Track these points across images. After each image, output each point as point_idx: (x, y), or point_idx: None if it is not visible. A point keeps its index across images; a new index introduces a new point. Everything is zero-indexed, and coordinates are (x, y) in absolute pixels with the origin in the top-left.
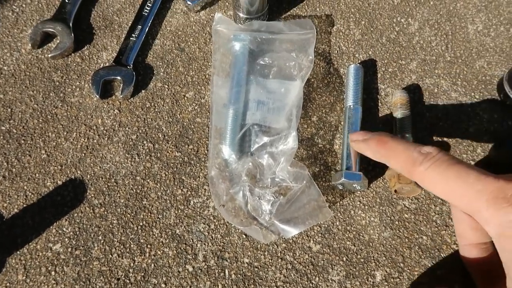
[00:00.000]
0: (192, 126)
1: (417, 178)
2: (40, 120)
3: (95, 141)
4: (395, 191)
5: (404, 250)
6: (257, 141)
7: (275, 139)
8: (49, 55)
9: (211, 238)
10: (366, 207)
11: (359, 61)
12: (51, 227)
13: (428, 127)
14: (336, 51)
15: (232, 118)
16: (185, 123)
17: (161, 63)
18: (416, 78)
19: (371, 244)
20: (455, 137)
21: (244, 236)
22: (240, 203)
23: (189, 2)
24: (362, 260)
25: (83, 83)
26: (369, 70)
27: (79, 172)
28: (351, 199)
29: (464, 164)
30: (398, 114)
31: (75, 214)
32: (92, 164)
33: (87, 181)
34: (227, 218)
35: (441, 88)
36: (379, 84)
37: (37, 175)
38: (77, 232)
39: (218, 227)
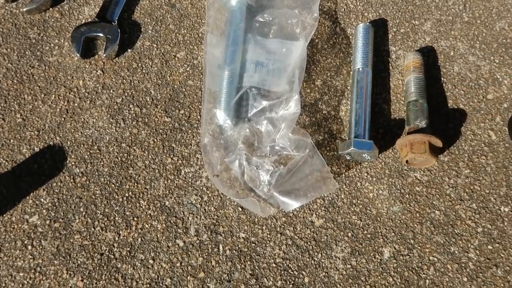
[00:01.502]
0: (184, 89)
1: None
2: (15, 81)
3: (76, 104)
4: (407, 161)
5: (415, 225)
6: (255, 105)
7: (275, 104)
8: (24, 9)
9: (204, 211)
10: (374, 179)
11: (368, 21)
12: (28, 197)
13: (442, 92)
14: (343, 9)
15: (227, 81)
16: (175, 86)
17: (149, 20)
18: (430, 40)
19: (379, 218)
20: (472, 105)
21: (240, 209)
22: (235, 173)
23: None
24: (368, 236)
25: (62, 40)
26: (379, 30)
27: (58, 138)
28: (358, 170)
29: None
30: (411, 78)
31: (54, 184)
32: (72, 130)
33: (67, 148)
34: (221, 189)
35: (458, 51)
36: (389, 46)
37: (11, 140)
38: (56, 203)
39: (212, 199)
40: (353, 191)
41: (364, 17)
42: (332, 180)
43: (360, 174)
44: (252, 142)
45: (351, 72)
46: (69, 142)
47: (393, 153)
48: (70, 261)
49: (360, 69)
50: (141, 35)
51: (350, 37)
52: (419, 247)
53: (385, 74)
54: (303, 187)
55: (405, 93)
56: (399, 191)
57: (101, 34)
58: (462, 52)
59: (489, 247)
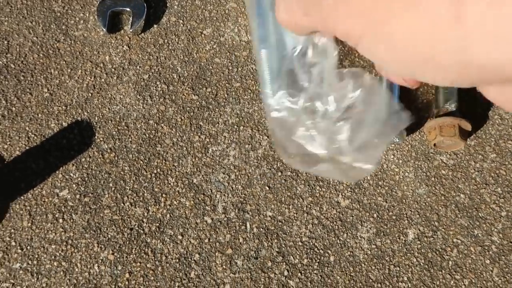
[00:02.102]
0: (210, 67)
1: None
2: (41, 55)
3: (102, 80)
4: (435, 144)
5: (440, 208)
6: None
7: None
8: None
9: (231, 189)
10: (400, 161)
11: None
12: (57, 172)
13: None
14: None
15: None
16: (202, 64)
17: None
18: None
19: (404, 200)
20: None
21: (267, 188)
22: (308, 146)
23: None
24: (394, 217)
25: (87, 14)
26: None
27: (85, 113)
28: (385, 152)
29: None
30: None
31: (83, 159)
32: (100, 105)
33: (94, 123)
34: (303, 169)
35: None
36: None
37: (39, 115)
38: (86, 178)
39: (239, 177)
40: (379, 173)
41: None
42: (403, 111)
43: (386, 156)
44: (313, 109)
45: None
46: (96, 118)
47: (419, 136)
48: (101, 235)
49: None
50: (167, 11)
51: None
52: (443, 229)
53: None
54: (378, 132)
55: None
56: (425, 174)
57: (127, 9)
58: None
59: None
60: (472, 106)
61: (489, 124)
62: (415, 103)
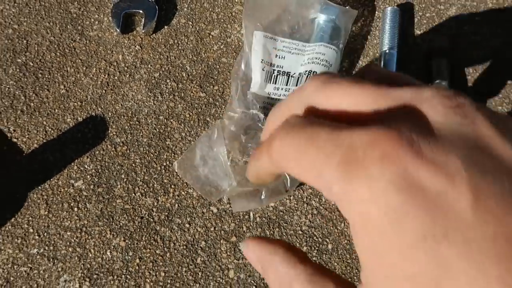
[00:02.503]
0: (218, 66)
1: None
2: (58, 54)
3: (116, 77)
4: None
5: None
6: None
7: None
8: None
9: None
10: None
11: (396, 5)
12: (73, 163)
13: (464, 76)
14: None
15: None
16: (210, 63)
17: None
18: (455, 24)
19: None
20: (492, 88)
21: None
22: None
23: None
24: None
25: (102, 16)
26: (405, 15)
27: (99, 109)
28: None
29: (320, 121)
30: (434, 61)
31: (97, 152)
32: (113, 102)
33: (108, 118)
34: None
35: (481, 36)
36: (415, 30)
37: (56, 110)
38: (99, 170)
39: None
40: None
41: (392, 1)
42: None
43: None
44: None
45: (378, 54)
46: (110, 113)
47: None
48: (113, 223)
49: (387, 50)
50: (177, 13)
51: (377, 20)
52: None
53: (410, 57)
54: None
55: (431, 76)
56: None
57: (140, 11)
58: (485, 37)
59: None
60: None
61: None
62: None
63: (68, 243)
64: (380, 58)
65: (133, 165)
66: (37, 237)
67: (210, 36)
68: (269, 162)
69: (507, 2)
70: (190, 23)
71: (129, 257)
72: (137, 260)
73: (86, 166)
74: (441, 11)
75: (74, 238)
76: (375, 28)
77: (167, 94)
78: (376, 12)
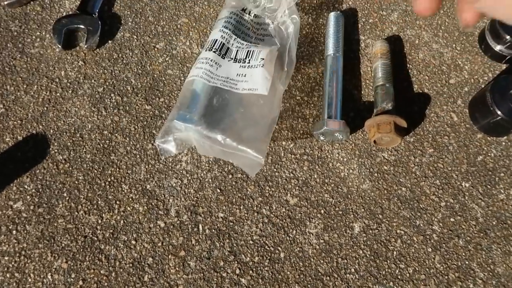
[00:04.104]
0: (163, 78)
1: None
2: None
3: (58, 94)
4: (375, 141)
5: (383, 201)
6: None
7: None
8: (5, 3)
9: (184, 193)
10: (345, 159)
11: (339, 11)
12: (11, 184)
13: (408, 78)
14: (315, 1)
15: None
16: (155, 75)
17: (129, 12)
18: (397, 29)
19: (349, 196)
20: (436, 89)
21: (219, 191)
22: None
23: None
24: (340, 212)
25: (44, 33)
26: (350, 20)
27: (41, 126)
28: (330, 151)
29: None
30: (378, 64)
31: (37, 171)
32: (55, 119)
33: (50, 136)
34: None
35: (422, 40)
36: (359, 35)
37: None
38: (40, 189)
39: (191, 181)
40: (325, 171)
41: (335, 8)
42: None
43: (332, 155)
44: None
45: (323, 59)
46: (51, 131)
47: (362, 135)
48: (55, 244)
49: (332, 54)
50: (121, 27)
51: (322, 27)
52: (387, 222)
53: (354, 61)
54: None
55: (373, 79)
56: (368, 170)
57: (82, 26)
58: (426, 40)
59: (452, 219)
60: (410, 105)
61: (426, 121)
62: (358, 105)
63: (5, 269)
64: (325, 61)
65: (76, 182)
66: None
67: (155, 49)
68: None
69: (446, 5)
70: (135, 36)
71: (72, 279)
72: (80, 282)
73: (26, 186)
74: (384, 16)
75: (12, 263)
76: (320, 35)
77: (111, 108)
78: (321, 19)
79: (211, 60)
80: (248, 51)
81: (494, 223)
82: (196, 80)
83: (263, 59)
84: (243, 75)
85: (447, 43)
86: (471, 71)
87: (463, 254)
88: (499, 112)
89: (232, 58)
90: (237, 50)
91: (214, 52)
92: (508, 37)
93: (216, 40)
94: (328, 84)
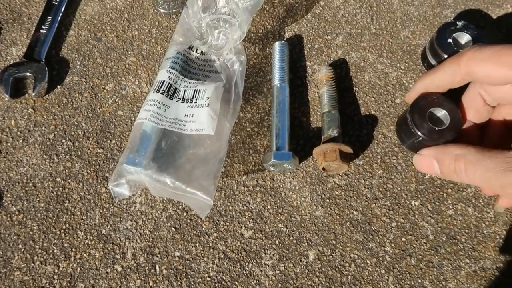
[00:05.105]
0: (114, 120)
1: None
2: None
3: (8, 144)
4: (323, 168)
5: (336, 227)
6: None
7: None
8: None
9: (139, 235)
10: (297, 187)
11: (285, 39)
12: None
13: (355, 101)
14: (261, 30)
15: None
16: (106, 117)
17: (77, 55)
18: (342, 52)
19: (303, 224)
20: (382, 110)
21: (174, 229)
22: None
23: (162, 10)
24: (294, 241)
25: None
26: (296, 47)
27: None
28: (282, 181)
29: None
30: (324, 91)
31: None
32: (7, 169)
33: (2, 187)
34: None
35: (368, 61)
36: (306, 62)
37: None
38: None
39: (146, 222)
40: (278, 201)
41: (281, 36)
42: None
43: (284, 184)
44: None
45: (271, 89)
46: (4, 182)
47: (313, 162)
48: None
49: (278, 84)
50: (69, 71)
51: (269, 56)
52: (340, 247)
53: (302, 88)
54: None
55: (320, 105)
56: (320, 196)
57: (28, 74)
58: (371, 62)
59: (403, 239)
60: (358, 128)
61: (375, 143)
62: (307, 132)
63: None
64: (272, 92)
65: (31, 233)
66: None
67: (105, 91)
68: (456, 70)
69: (389, 26)
70: (84, 79)
71: None
72: None
73: None
74: (329, 41)
75: None
76: (267, 64)
77: (63, 154)
78: (268, 49)
79: (159, 102)
80: (195, 90)
81: (444, 239)
82: (145, 122)
83: (208, 97)
84: (191, 115)
85: (392, 63)
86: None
87: (416, 272)
88: (419, 133)
89: (180, 98)
90: (185, 90)
91: (161, 94)
92: (445, 56)
93: (164, 81)
94: (275, 115)
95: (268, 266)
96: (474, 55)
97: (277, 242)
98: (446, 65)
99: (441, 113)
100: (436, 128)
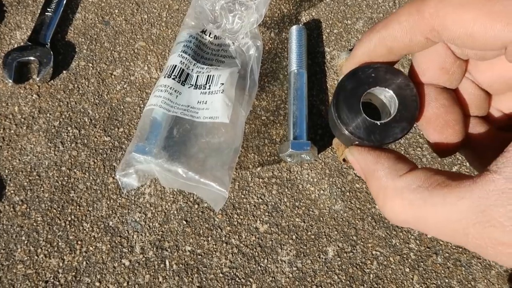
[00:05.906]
0: (122, 107)
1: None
2: None
3: (12, 131)
4: (344, 160)
5: (357, 222)
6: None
7: None
8: None
9: (148, 228)
10: (315, 180)
11: (302, 23)
12: None
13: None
14: (277, 14)
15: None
16: (113, 104)
17: (83, 39)
18: None
19: (321, 218)
20: None
21: (185, 222)
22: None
23: None
24: (312, 236)
25: None
26: (313, 32)
27: None
28: (299, 172)
29: None
30: None
31: None
32: (10, 158)
33: (5, 176)
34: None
35: None
36: (324, 47)
37: None
38: None
39: (156, 215)
40: (295, 193)
41: (298, 20)
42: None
43: (301, 176)
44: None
45: (287, 75)
46: (6, 171)
47: (332, 153)
48: None
49: (295, 71)
50: (75, 55)
51: (285, 41)
52: (361, 243)
53: (320, 75)
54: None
55: None
56: (339, 189)
57: (33, 58)
58: None
59: (428, 236)
60: (378, 118)
61: None
62: (326, 121)
63: None
64: (289, 78)
65: (35, 224)
66: None
67: (113, 76)
68: (417, 23)
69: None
70: (90, 64)
71: None
72: None
73: None
74: (349, 26)
75: None
76: (283, 49)
77: (68, 142)
78: (284, 34)
79: (170, 88)
80: (208, 75)
81: None
82: (155, 109)
83: (222, 84)
84: (204, 102)
85: None
86: None
87: (442, 271)
88: (347, 133)
89: (193, 85)
90: (198, 76)
91: (173, 79)
92: None
93: (175, 66)
94: (293, 102)
95: (285, 262)
96: None
97: (294, 237)
98: (401, 14)
99: (385, 95)
100: (377, 123)
